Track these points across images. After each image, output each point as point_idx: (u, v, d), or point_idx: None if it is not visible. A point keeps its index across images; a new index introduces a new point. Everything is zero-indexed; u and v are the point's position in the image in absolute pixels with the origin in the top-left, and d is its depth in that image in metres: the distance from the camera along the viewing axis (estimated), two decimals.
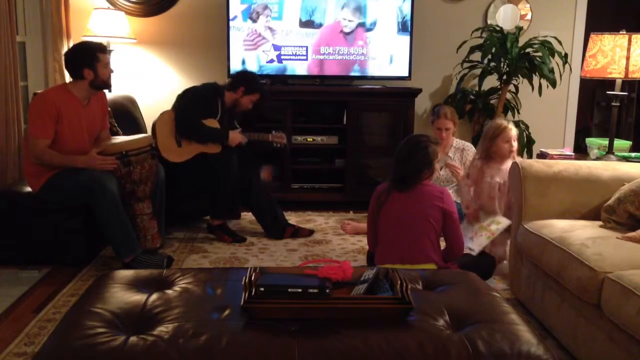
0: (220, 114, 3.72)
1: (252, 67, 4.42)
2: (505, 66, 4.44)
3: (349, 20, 4.43)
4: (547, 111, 4.89)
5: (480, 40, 4.50)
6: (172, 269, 2.30)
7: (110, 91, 4.32)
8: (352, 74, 4.55)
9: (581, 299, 2.12)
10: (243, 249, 3.53)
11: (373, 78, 4.57)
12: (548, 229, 2.48)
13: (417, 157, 2.60)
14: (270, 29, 4.43)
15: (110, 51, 4.37)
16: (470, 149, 3.83)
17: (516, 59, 4.35)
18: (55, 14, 4.10)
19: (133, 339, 1.49)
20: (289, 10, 4.42)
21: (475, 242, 3.04)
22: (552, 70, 4.31)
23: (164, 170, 3.39)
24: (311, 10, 4.42)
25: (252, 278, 1.66)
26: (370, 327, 1.55)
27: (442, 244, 2.73)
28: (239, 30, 4.42)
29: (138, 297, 1.74)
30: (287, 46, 4.47)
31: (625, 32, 3.35)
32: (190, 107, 3.62)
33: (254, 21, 4.41)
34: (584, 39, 4.72)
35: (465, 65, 4.55)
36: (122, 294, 1.76)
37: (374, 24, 4.47)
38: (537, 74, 4.39)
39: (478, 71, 4.52)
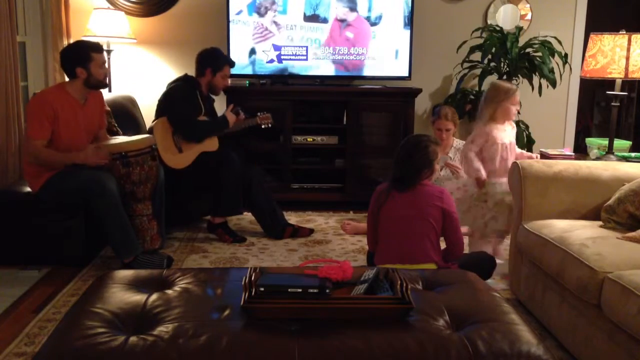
0: (204, 107, 3.74)
1: (261, 57, 4.45)
2: (505, 66, 4.44)
3: (351, 10, 4.45)
4: (547, 111, 4.89)
5: (480, 40, 4.50)
6: (172, 269, 2.29)
7: (110, 91, 4.33)
8: (352, 73, 4.55)
9: (581, 299, 2.12)
10: (243, 249, 3.53)
11: (373, 78, 4.57)
12: (548, 229, 2.48)
13: (417, 157, 2.60)
14: (276, 23, 4.45)
15: (110, 51, 4.38)
16: None
17: (516, 59, 4.35)
18: (55, 14, 4.10)
19: (133, 339, 1.49)
20: (293, 5, 4.43)
21: (469, 215, 3.09)
22: (552, 70, 4.31)
23: (163, 171, 3.39)
24: (315, 5, 4.43)
25: (252, 278, 1.66)
26: (370, 327, 1.55)
27: (442, 245, 2.73)
28: (245, 24, 4.43)
29: (138, 297, 1.74)
30: (287, 46, 4.48)
31: (625, 32, 3.35)
32: (181, 110, 3.62)
33: (261, 15, 4.42)
34: (584, 39, 4.72)
35: (465, 65, 4.55)
36: (122, 294, 1.76)
37: (379, 17, 4.47)
38: (537, 74, 4.39)
39: (478, 71, 4.53)
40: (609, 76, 3.37)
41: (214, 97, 3.91)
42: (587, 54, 3.49)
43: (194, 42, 4.65)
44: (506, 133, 3.22)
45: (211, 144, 3.73)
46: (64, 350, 1.46)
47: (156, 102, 3.74)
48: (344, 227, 3.93)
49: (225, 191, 3.62)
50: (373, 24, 4.48)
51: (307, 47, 4.48)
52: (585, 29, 4.77)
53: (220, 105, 4.16)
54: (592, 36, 3.46)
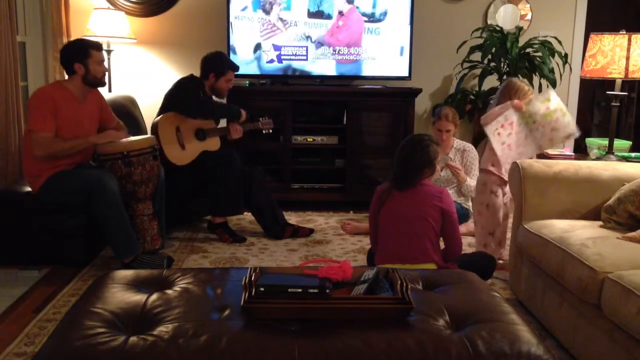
0: None
1: (268, 51, 4.46)
2: (505, 66, 4.44)
3: (347, 2, 4.46)
4: None
5: (480, 40, 4.50)
6: (172, 269, 2.30)
7: (110, 91, 4.34)
8: (353, 74, 4.55)
9: (581, 299, 2.12)
10: (243, 249, 3.53)
11: (373, 78, 4.57)
12: (548, 229, 2.48)
13: (418, 156, 2.60)
14: (281, 19, 4.45)
15: (110, 51, 4.38)
16: (471, 150, 3.82)
17: (516, 59, 4.35)
18: (55, 14, 4.09)
19: (133, 339, 1.49)
20: (297, 1, 4.44)
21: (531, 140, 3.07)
22: (552, 70, 4.31)
23: (163, 171, 3.39)
24: (319, 1, 4.43)
25: (252, 278, 1.66)
26: (370, 327, 1.55)
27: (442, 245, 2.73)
28: (251, 20, 4.44)
29: (138, 297, 1.74)
30: (287, 46, 4.48)
31: (625, 32, 3.35)
32: (194, 94, 3.68)
33: (267, 12, 4.43)
34: (584, 39, 4.72)
35: (466, 65, 4.55)
36: (122, 294, 1.76)
37: (384, 14, 4.47)
38: (537, 74, 4.39)
39: (478, 71, 4.53)
40: (609, 76, 3.37)
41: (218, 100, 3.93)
42: (587, 54, 3.49)
43: (194, 42, 4.66)
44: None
45: (213, 144, 3.74)
46: (64, 350, 1.46)
47: (156, 102, 3.75)
48: (344, 227, 3.93)
49: (226, 191, 3.63)
50: (377, 21, 4.48)
51: (307, 47, 4.48)
52: (585, 29, 4.77)
53: None
54: (592, 36, 3.47)
